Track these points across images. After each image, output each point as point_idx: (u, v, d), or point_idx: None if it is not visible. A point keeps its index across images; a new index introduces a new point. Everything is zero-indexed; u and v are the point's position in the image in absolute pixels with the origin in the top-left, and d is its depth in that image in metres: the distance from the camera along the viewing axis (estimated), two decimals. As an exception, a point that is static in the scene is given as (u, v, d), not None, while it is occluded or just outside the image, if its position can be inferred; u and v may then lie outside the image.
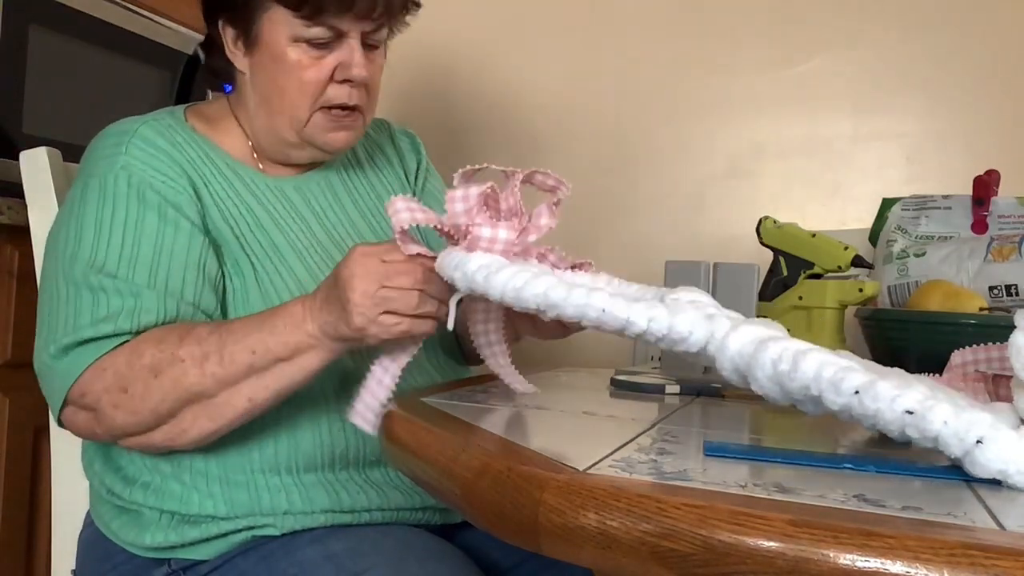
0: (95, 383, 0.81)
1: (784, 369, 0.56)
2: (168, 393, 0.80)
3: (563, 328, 0.85)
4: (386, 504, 0.90)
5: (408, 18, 1.01)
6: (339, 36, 0.91)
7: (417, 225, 0.76)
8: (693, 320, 0.63)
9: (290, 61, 0.91)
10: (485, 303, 0.82)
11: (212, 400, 0.81)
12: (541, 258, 0.78)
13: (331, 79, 0.92)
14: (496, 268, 0.68)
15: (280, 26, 0.90)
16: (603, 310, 0.64)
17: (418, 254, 0.76)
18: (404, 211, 0.75)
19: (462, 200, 0.72)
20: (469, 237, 0.72)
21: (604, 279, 0.79)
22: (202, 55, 1.49)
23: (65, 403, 0.83)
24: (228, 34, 0.95)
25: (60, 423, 0.87)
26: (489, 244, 0.71)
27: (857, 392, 0.53)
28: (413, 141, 1.16)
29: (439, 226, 0.75)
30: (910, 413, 0.51)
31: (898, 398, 0.51)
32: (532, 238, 0.76)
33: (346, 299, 0.75)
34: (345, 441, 0.90)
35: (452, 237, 0.75)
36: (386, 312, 0.74)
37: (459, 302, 0.77)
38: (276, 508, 0.86)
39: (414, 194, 1.12)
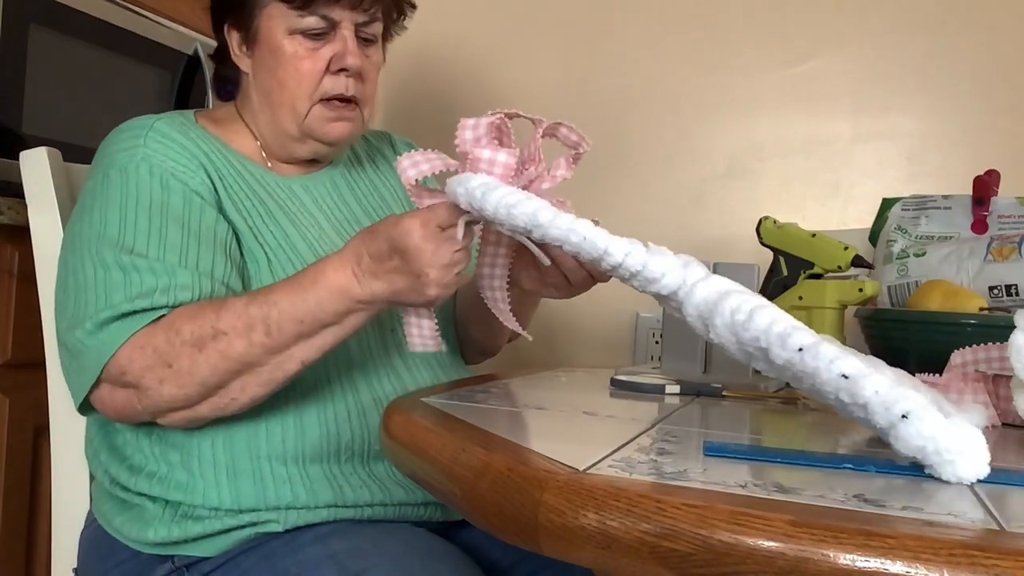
0: (135, 361, 0.80)
1: (740, 319, 0.59)
2: (217, 365, 0.80)
3: (566, 282, 0.87)
4: (388, 499, 0.91)
5: (406, 22, 1.05)
6: (333, 27, 0.95)
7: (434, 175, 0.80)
8: (668, 264, 0.66)
9: (287, 54, 0.94)
10: (494, 247, 0.85)
11: (262, 367, 0.82)
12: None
13: (327, 70, 0.95)
14: (495, 186, 0.71)
15: (276, 20, 0.95)
16: (584, 237, 0.68)
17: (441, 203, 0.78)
18: (410, 168, 0.78)
19: (472, 128, 0.76)
20: (469, 158, 0.75)
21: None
22: (207, 70, 1.51)
23: (99, 381, 0.82)
24: (234, 38, 1.00)
25: (85, 407, 0.86)
26: (488, 166, 0.74)
27: (801, 349, 0.55)
28: (411, 147, 1.16)
29: (448, 168, 0.77)
30: (845, 377, 0.53)
31: (837, 360, 0.53)
32: (546, 186, 0.80)
33: (422, 272, 0.77)
34: (351, 430, 0.91)
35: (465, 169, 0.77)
36: (455, 275, 0.79)
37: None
38: (281, 501, 0.86)
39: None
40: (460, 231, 0.77)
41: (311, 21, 0.94)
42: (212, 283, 0.85)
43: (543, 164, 0.79)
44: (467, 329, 1.13)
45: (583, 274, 0.86)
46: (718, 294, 0.61)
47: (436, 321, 0.84)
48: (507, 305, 0.88)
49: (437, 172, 0.79)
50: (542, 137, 0.79)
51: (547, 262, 0.80)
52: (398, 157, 0.79)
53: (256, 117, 1.00)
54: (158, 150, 0.90)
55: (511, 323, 0.88)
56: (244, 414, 0.86)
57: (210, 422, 0.86)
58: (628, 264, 0.66)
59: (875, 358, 0.64)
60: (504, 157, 0.74)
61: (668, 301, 0.66)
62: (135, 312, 0.81)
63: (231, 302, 0.82)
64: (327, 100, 0.96)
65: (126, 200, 0.87)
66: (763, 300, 0.60)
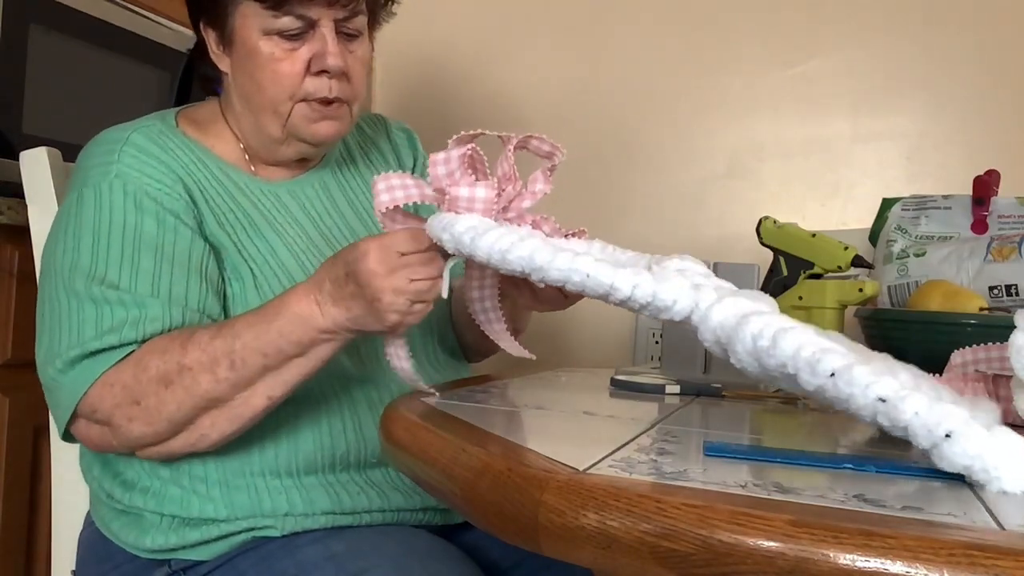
0: (104, 399, 0.81)
1: (763, 345, 0.56)
2: (183, 401, 0.80)
3: (561, 297, 0.84)
4: (387, 505, 0.90)
5: (394, 7, 1.00)
6: (311, 26, 0.89)
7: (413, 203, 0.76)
8: (678, 289, 0.63)
9: (263, 55, 0.89)
10: (480, 270, 0.82)
11: (229, 403, 0.81)
12: (536, 226, 0.78)
13: (307, 71, 0.90)
14: (483, 230, 0.68)
15: (251, 20, 0.89)
16: (587, 275, 0.64)
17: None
18: (384, 193, 0.75)
19: (444, 163, 0.72)
20: (447, 199, 0.72)
21: (598, 246, 0.79)
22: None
23: (75, 416, 0.83)
24: (210, 37, 0.95)
25: (67, 437, 0.87)
26: (468, 204, 0.71)
27: (833, 375, 0.53)
28: (410, 137, 1.15)
29: (423, 200, 0.75)
30: (882, 401, 0.51)
31: (873, 385, 0.51)
32: (527, 204, 0.77)
33: (375, 298, 0.74)
34: (346, 443, 0.90)
35: (441, 204, 0.75)
36: (417, 303, 0.75)
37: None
38: (277, 510, 0.86)
39: None
40: (445, 283, 0.75)
41: (286, 21, 0.88)
42: (184, 312, 0.84)
43: (519, 182, 0.76)
44: (463, 336, 1.11)
45: (559, 301, 0.85)
46: (736, 319, 0.59)
47: (407, 350, 0.80)
48: (503, 325, 0.86)
49: (412, 203, 0.76)
50: (514, 151, 0.76)
51: (542, 285, 0.73)
52: (374, 178, 0.76)
53: (239, 119, 0.97)
54: (132, 165, 0.88)
55: (511, 346, 0.86)
56: (234, 444, 0.86)
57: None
58: (637, 296, 0.64)
59: (880, 353, 0.63)
60: (483, 192, 0.71)
61: (683, 325, 0.64)
62: (104, 350, 0.81)
63: (198, 335, 0.81)
64: (309, 100, 0.91)
65: (99, 225, 0.85)
66: (784, 320, 0.58)
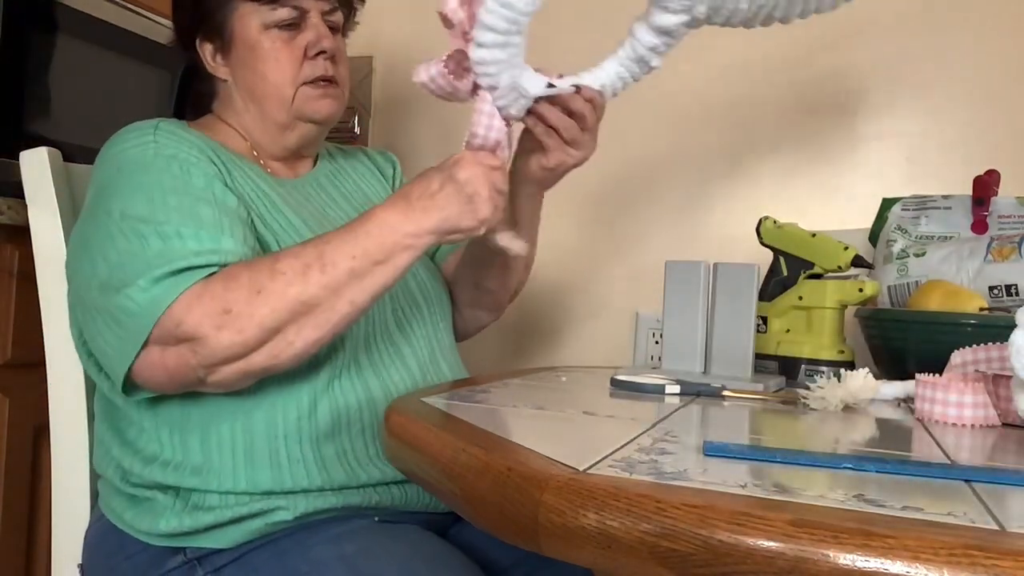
0: (193, 309, 0.80)
1: None
2: (276, 306, 0.80)
3: (562, 143, 0.96)
4: (399, 476, 0.91)
5: (357, 16, 1.11)
6: (303, 16, 1.01)
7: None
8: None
9: (265, 48, 1.00)
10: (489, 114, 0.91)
11: (317, 307, 0.82)
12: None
13: (305, 57, 1.01)
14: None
15: (249, 18, 1.00)
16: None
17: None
18: (422, 71, 0.89)
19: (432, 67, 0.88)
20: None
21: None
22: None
23: (148, 342, 0.81)
24: (207, 51, 1.03)
25: (127, 386, 0.85)
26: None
27: None
28: (385, 154, 1.26)
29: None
30: None
31: None
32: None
33: (476, 192, 0.85)
34: (361, 421, 0.92)
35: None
36: (496, 198, 0.87)
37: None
38: (296, 484, 0.87)
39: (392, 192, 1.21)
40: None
41: (283, 13, 0.99)
42: (251, 250, 0.87)
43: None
44: (480, 285, 1.15)
45: (575, 127, 0.95)
46: None
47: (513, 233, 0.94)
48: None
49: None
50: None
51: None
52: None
53: (241, 118, 1.04)
54: (169, 142, 0.91)
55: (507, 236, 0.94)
56: (261, 398, 0.87)
57: (216, 419, 0.87)
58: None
59: None
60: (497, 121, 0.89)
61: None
62: (189, 268, 0.81)
63: (287, 249, 0.85)
64: (310, 82, 1.01)
65: (150, 186, 0.86)
66: None
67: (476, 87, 0.88)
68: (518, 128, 0.97)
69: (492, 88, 0.87)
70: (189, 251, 0.82)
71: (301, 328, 0.82)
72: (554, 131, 0.95)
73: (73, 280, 0.89)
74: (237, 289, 0.80)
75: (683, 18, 0.89)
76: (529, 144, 1.00)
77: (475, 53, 0.85)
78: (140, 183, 0.87)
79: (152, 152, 0.90)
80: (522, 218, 1.05)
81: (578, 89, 0.93)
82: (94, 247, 0.85)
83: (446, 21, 0.87)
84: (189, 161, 0.90)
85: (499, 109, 0.89)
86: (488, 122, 0.89)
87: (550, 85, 0.91)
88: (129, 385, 0.86)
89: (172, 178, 0.88)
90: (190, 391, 0.88)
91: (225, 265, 0.83)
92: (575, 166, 0.99)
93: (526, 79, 0.88)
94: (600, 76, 0.95)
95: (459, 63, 0.87)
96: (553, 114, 0.94)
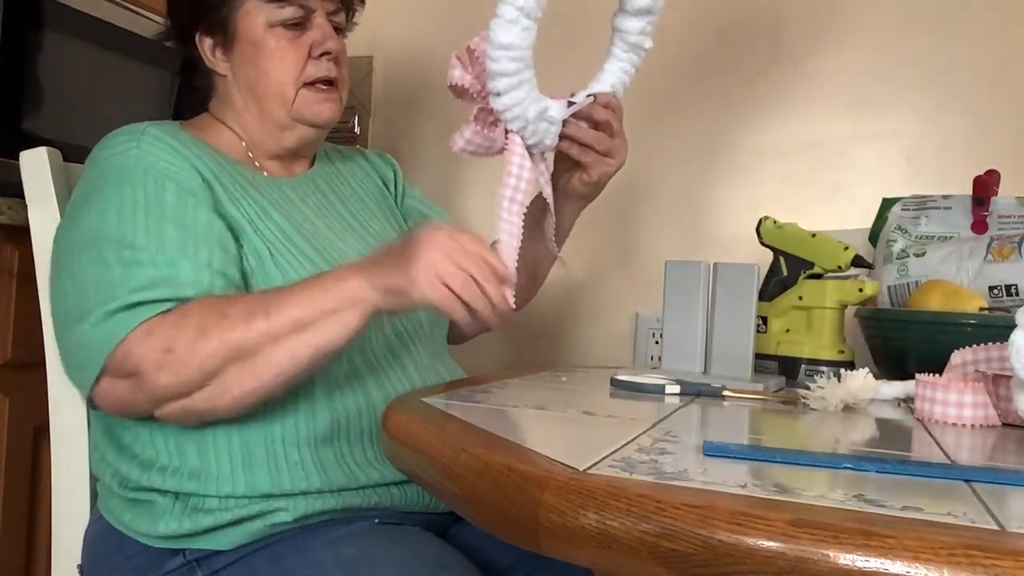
0: (140, 344, 0.80)
1: None
2: (214, 350, 0.80)
3: (600, 157, 0.99)
4: (399, 476, 0.91)
5: (356, 17, 1.10)
6: (308, 15, 1.00)
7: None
8: None
9: (270, 46, 0.99)
10: (518, 168, 0.92)
11: (255, 356, 0.82)
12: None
13: (309, 57, 1.00)
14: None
15: (255, 16, 0.99)
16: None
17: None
18: (458, 140, 0.92)
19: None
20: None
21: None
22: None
23: (103, 373, 0.82)
24: (206, 45, 1.02)
25: (91, 403, 0.87)
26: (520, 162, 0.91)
27: None
28: (385, 157, 1.25)
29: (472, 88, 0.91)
30: None
31: None
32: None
33: (417, 253, 0.80)
34: (360, 427, 0.92)
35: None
36: (446, 279, 0.80)
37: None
38: (295, 487, 0.87)
39: (395, 199, 1.21)
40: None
41: (289, 12, 0.99)
42: (212, 275, 0.86)
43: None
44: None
45: (606, 138, 0.97)
46: None
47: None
48: (520, 224, 0.91)
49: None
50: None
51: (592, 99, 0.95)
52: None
53: (240, 115, 1.03)
54: (151, 151, 0.91)
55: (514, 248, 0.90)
56: (256, 412, 0.87)
57: (213, 422, 0.86)
58: None
59: None
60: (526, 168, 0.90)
61: None
62: (141, 303, 0.82)
63: (249, 295, 0.86)
64: (311, 84, 1.01)
65: (122, 199, 0.87)
66: None
67: (506, 132, 0.91)
68: (548, 158, 1.00)
69: (523, 128, 0.90)
70: (141, 284, 0.82)
71: (240, 374, 0.82)
72: (589, 148, 0.97)
73: (50, 297, 0.90)
74: (185, 328, 0.81)
75: None
76: (567, 163, 1.02)
77: (497, 103, 0.87)
78: (113, 196, 0.87)
79: (133, 160, 0.90)
80: (563, 231, 1.08)
81: (594, 97, 0.95)
82: (64, 265, 0.87)
83: (457, 91, 0.90)
84: (167, 173, 0.90)
85: (535, 145, 0.92)
86: (519, 164, 0.91)
87: (570, 103, 0.94)
88: (92, 402, 0.88)
89: (144, 193, 0.88)
90: None
91: (180, 298, 0.83)
92: (615, 172, 1.02)
93: (548, 107, 0.91)
94: (607, 79, 0.98)
95: (486, 119, 0.90)
96: (583, 132, 0.96)
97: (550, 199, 0.98)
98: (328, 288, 0.83)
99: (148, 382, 0.81)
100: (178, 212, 0.88)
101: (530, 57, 0.87)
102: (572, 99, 0.94)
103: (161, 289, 0.83)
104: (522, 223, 0.90)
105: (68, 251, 0.88)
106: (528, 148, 0.92)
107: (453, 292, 0.80)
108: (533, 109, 0.89)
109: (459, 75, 0.89)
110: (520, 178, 0.91)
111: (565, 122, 0.94)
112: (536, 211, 1.01)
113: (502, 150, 0.92)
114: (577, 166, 1.01)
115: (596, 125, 0.97)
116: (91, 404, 0.88)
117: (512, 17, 0.82)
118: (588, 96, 0.95)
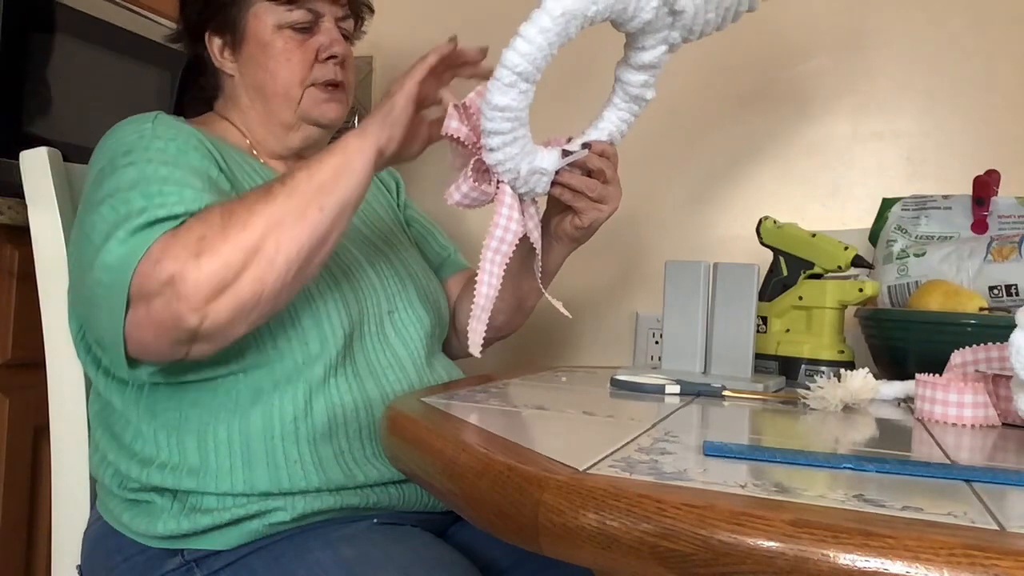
0: (169, 246, 0.78)
1: None
2: (246, 222, 0.80)
3: (592, 203, 0.98)
4: (397, 475, 0.91)
5: (364, 26, 1.13)
6: (316, 19, 1.03)
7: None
8: None
9: (278, 47, 1.01)
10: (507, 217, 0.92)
11: (287, 217, 0.82)
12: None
13: (316, 59, 1.02)
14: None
15: (264, 18, 1.01)
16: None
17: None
18: (454, 194, 0.92)
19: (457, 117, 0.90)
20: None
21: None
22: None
23: (132, 301, 0.79)
24: (215, 45, 1.04)
25: (127, 359, 0.83)
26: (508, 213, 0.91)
27: None
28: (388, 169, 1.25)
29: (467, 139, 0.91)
30: None
31: None
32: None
33: (391, 93, 0.90)
34: (358, 423, 0.92)
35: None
36: (412, 76, 0.90)
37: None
38: (293, 485, 0.87)
39: (397, 206, 1.23)
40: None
41: (299, 15, 1.01)
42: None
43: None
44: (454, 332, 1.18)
45: (598, 185, 0.96)
46: None
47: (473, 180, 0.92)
48: (497, 286, 0.93)
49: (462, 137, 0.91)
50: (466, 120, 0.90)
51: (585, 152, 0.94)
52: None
53: (245, 114, 1.04)
54: (164, 131, 0.92)
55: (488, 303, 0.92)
56: (257, 400, 0.87)
57: (214, 419, 0.86)
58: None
59: None
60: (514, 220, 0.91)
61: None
62: (165, 218, 0.81)
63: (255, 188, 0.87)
64: (318, 84, 1.02)
65: (139, 159, 0.87)
66: None
67: (498, 182, 0.91)
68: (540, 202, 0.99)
69: (515, 180, 0.90)
70: (169, 203, 0.82)
71: (278, 240, 0.81)
72: (581, 194, 0.96)
73: (71, 270, 0.90)
74: (209, 220, 0.80)
75: (662, 49, 0.90)
76: (559, 206, 1.01)
77: (490, 158, 0.87)
78: (131, 160, 0.87)
79: (149, 135, 0.90)
80: (550, 271, 1.08)
81: (589, 147, 0.94)
82: (86, 228, 0.84)
83: (454, 142, 0.90)
84: (186, 144, 0.91)
85: (526, 193, 0.92)
86: (507, 215, 0.91)
87: (565, 153, 0.93)
88: (129, 359, 0.84)
89: (162, 153, 0.88)
90: (187, 394, 0.88)
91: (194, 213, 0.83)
92: (607, 219, 1.00)
93: (541, 159, 0.90)
94: (604, 128, 0.96)
95: (479, 170, 0.91)
96: (576, 179, 0.95)
97: (538, 244, 0.96)
98: (330, 151, 0.86)
99: (189, 278, 0.77)
100: (200, 167, 0.90)
101: (526, 116, 0.86)
102: (567, 147, 0.93)
103: (177, 208, 0.82)
104: (503, 274, 0.91)
105: (87, 219, 0.85)
106: (519, 195, 0.92)
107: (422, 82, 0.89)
108: (526, 164, 0.89)
109: (455, 126, 0.90)
110: (507, 230, 0.91)
111: (558, 171, 0.93)
112: (524, 249, 1.01)
113: (493, 199, 0.92)
114: (569, 209, 1.00)
115: (590, 172, 0.96)
116: (128, 361, 0.83)
117: (510, 81, 0.81)
118: (583, 147, 0.94)
